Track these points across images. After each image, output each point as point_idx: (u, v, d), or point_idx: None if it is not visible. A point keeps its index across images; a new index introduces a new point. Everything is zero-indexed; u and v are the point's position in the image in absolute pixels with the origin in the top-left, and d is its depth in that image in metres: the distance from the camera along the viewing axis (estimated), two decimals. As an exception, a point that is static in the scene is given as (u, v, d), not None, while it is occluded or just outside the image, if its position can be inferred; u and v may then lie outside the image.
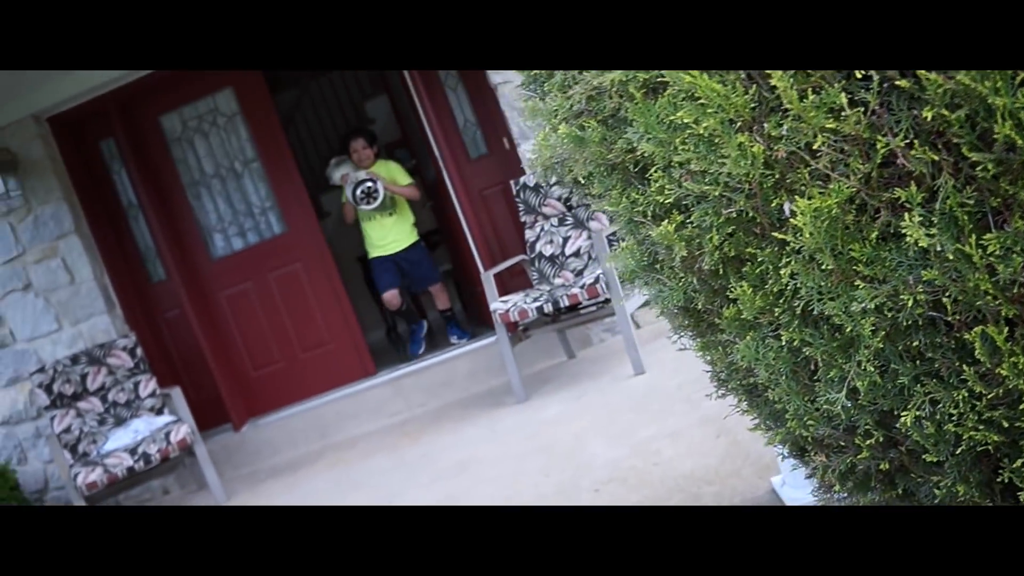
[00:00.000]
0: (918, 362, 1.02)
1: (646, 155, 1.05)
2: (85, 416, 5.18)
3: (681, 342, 1.54)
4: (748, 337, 1.16)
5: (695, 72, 0.91)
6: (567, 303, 4.13)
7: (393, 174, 5.44)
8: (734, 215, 1.03)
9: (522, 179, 4.89)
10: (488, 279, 4.46)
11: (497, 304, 4.29)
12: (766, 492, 2.38)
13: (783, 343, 1.11)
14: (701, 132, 0.93)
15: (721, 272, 1.12)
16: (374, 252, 5.56)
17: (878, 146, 0.89)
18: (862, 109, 0.87)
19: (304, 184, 5.66)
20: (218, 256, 5.69)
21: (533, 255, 4.79)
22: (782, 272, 1.02)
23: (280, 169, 5.61)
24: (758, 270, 1.08)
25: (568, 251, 4.68)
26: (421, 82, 5.29)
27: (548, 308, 4.16)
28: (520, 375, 4.41)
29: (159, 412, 5.21)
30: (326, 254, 5.52)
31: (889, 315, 0.98)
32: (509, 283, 5.07)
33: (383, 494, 3.67)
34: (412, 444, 4.32)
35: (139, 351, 5.31)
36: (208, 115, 5.83)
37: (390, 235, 5.51)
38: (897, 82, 0.84)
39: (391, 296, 5.52)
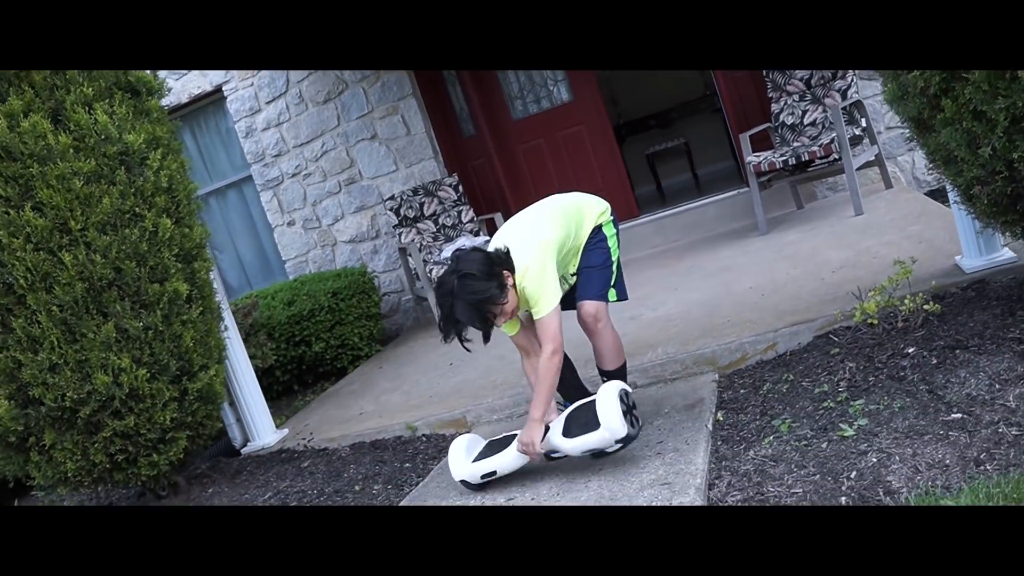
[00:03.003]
0: (1024, 134, 2.38)
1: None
2: (423, 234, 6.99)
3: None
4: (947, 128, 2.54)
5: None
6: (807, 158, 5.44)
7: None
8: (946, 73, 2.41)
9: (771, 63, 6.15)
10: (744, 139, 5.82)
11: (751, 157, 5.66)
12: (952, 266, 3.71)
13: (964, 127, 2.48)
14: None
15: (937, 95, 2.51)
16: None
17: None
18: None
19: (587, 64, 7.12)
20: (518, 118, 7.28)
21: (777, 124, 6.09)
22: (966, 92, 2.39)
23: (568, 51, 7.08)
24: (955, 94, 2.45)
25: (806, 121, 5.96)
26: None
27: (792, 162, 5.50)
28: (763, 215, 5.79)
29: (476, 234, 6.96)
30: (605, 119, 7.01)
31: (1011, 111, 2.34)
32: (751, 146, 6.39)
33: (667, 287, 5.20)
34: (678, 261, 5.83)
35: (460, 188, 7.05)
36: (511, 6, 7.36)
37: None
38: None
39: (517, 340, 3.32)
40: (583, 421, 2.93)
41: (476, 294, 2.86)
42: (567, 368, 3.40)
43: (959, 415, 2.46)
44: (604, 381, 3.20)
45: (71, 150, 3.74)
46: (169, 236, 4.01)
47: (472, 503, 3.16)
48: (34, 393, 3.82)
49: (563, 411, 3.15)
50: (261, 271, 8.57)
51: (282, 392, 6.62)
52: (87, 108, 3.85)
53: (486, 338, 3.06)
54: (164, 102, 8.05)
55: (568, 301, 3.26)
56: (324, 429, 4.84)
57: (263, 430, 4.98)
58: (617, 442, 2.87)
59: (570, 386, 3.44)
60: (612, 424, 2.84)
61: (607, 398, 2.88)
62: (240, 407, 4.95)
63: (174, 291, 4.00)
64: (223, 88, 7.86)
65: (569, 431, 2.96)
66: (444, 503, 3.26)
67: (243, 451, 4.95)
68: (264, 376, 6.38)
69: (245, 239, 8.53)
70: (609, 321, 3.27)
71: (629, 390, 3.02)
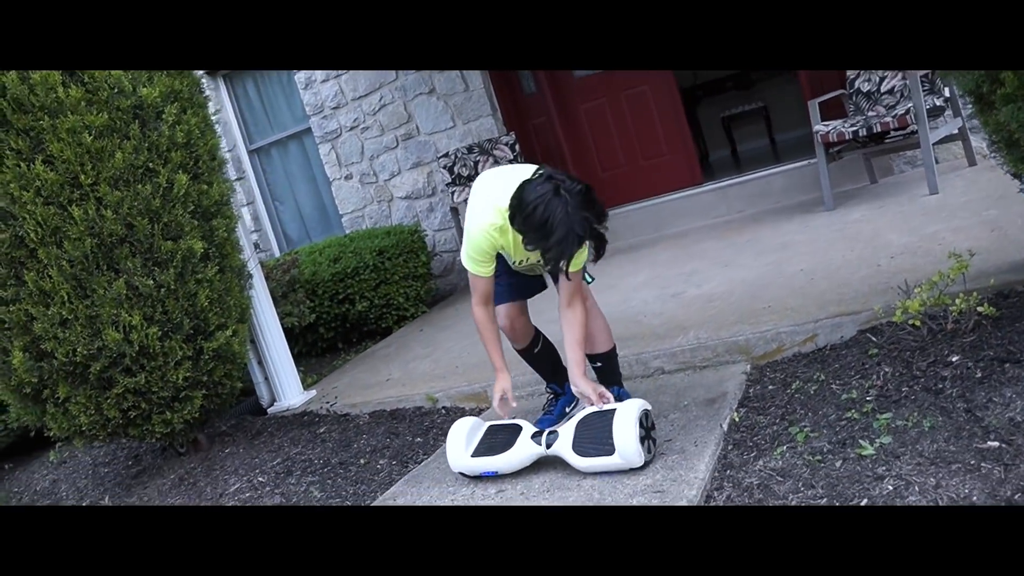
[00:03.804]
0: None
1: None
2: (476, 194, 6.76)
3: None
4: (1008, 106, 2.20)
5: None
6: (879, 129, 5.01)
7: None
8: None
9: (851, 24, 5.68)
10: (813, 106, 5.41)
11: (819, 126, 5.26)
12: (1022, 260, 3.32)
13: (1025, 106, 2.15)
14: None
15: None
16: None
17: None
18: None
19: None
20: (581, 75, 6.95)
21: (852, 91, 5.65)
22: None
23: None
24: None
25: (883, 89, 5.50)
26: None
27: (862, 133, 5.08)
28: (830, 190, 5.39)
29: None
30: (671, 80, 6.63)
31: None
32: (824, 114, 5.95)
33: (718, 262, 4.88)
34: (737, 234, 5.49)
35: (517, 147, 6.78)
36: (580, -43, 7.00)
37: None
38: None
39: (505, 316, 3.21)
40: (596, 437, 2.72)
41: (601, 213, 2.58)
42: (552, 351, 3.33)
43: (996, 443, 2.14)
44: (595, 367, 3.06)
45: (83, 103, 3.62)
46: (184, 193, 3.88)
47: (463, 492, 2.97)
48: (46, 347, 3.76)
49: (572, 413, 2.98)
50: (320, 224, 8.49)
51: (326, 349, 6.54)
52: (102, 57, 3.71)
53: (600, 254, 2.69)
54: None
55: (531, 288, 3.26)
56: (349, 394, 4.71)
57: (289, 391, 4.87)
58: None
59: (558, 369, 3.33)
60: (628, 454, 2.63)
61: (626, 422, 2.65)
62: (267, 367, 4.85)
63: (188, 249, 3.88)
64: (284, 37, 7.72)
65: (580, 446, 2.75)
66: (438, 487, 3.08)
67: (269, 411, 4.87)
68: (307, 332, 6.32)
69: (305, 191, 8.45)
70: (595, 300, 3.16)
71: (649, 409, 2.77)
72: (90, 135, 3.62)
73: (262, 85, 8.25)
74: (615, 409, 2.72)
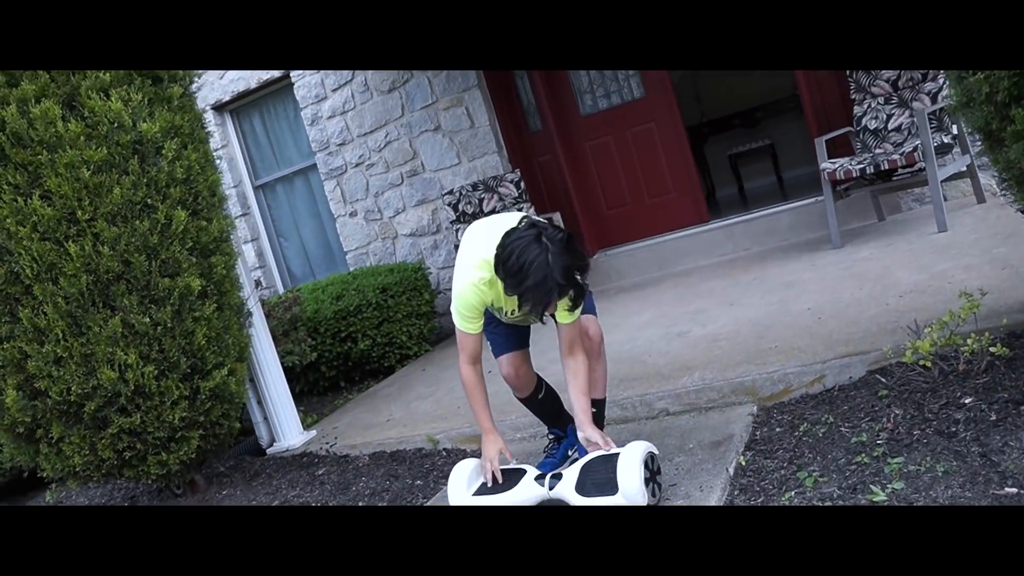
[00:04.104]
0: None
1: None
2: (480, 231, 6.72)
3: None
4: (1018, 143, 2.14)
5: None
6: (887, 167, 4.96)
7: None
8: (1015, 77, 2.01)
9: (857, 62, 5.65)
10: (820, 143, 5.37)
11: (826, 164, 5.21)
12: (1034, 298, 3.25)
13: (1039, 144, 2.09)
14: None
15: (1007, 103, 2.11)
16: None
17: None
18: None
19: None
20: (586, 113, 6.93)
21: (859, 128, 5.61)
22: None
23: (642, 44, 6.70)
24: (1027, 102, 2.06)
25: (891, 126, 5.45)
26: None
27: (870, 170, 5.02)
28: (837, 228, 5.33)
29: (534, 234, 6.65)
30: (677, 117, 6.60)
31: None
32: (831, 152, 5.91)
33: (724, 301, 4.81)
34: (743, 273, 5.42)
35: (522, 184, 6.74)
36: (585, -4, 7.00)
37: None
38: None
39: (509, 365, 3.11)
40: (600, 480, 2.65)
41: (582, 262, 2.55)
42: (555, 396, 3.30)
43: (1014, 489, 2.06)
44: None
45: (82, 138, 3.60)
46: (183, 229, 3.83)
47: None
48: (40, 385, 3.71)
49: (575, 457, 2.94)
50: (324, 261, 8.45)
51: (328, 388, 6.46)
52: (103, 94, 3.69)
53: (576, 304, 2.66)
54: (234, 87, 8.05)
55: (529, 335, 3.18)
56: (349, 434, 4.63)
57: (289, 431, 4.80)
58: None
59: (560, 414, 3.31)
60: (631, 493, 2.55)
61: (630, 463, 2.58)
62: (266, 407, 4.78)
63: (186, 286, 3.83)
64: (291, 74, 7.75)
65: (583, 487, 2.68)
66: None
67: (268, 451, 4.79)
68: (309, 371, 6.24)
69: (310, 228, 8.43)
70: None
71: (656, 453, 2.70)
72: (88, 170, 3.59)
73: (269, 121, 8.26)
74: (620, 452, 2.65)
